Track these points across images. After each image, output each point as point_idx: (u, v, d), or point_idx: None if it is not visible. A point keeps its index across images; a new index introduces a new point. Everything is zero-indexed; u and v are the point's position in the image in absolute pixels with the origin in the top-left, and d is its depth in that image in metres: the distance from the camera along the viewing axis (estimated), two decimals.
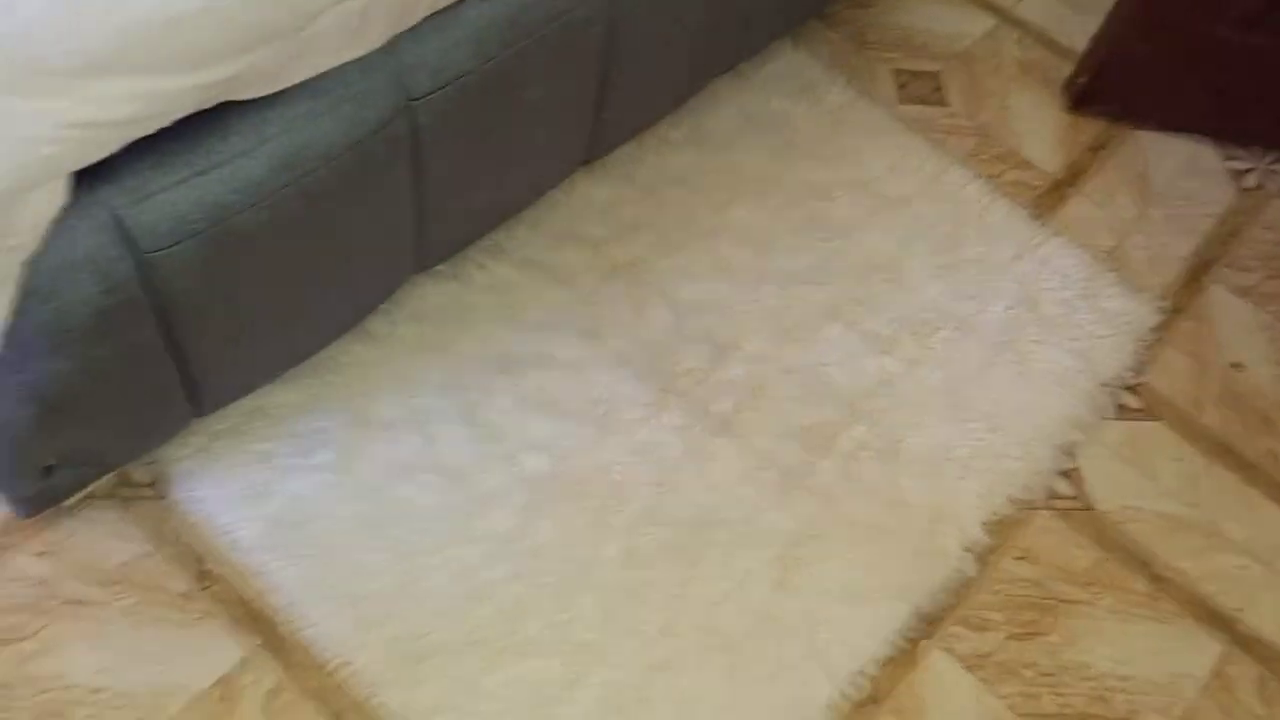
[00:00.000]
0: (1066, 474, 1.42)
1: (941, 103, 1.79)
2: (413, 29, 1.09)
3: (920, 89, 1.80)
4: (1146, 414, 1.49)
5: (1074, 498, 1.40)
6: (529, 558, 1.24)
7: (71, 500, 1.18)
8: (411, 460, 1.27)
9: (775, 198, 1.60)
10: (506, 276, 1.45)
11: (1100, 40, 1.75)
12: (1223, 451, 1.47)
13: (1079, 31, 1.90)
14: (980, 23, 1.92)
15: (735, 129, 1.68)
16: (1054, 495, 1.39)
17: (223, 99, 0.95)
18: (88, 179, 0.91)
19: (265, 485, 1.23)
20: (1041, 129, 1.78)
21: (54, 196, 0.84)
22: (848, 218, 1.60)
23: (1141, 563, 1.36)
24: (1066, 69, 1.84)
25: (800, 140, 1.68)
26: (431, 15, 1.10)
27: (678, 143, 1.64)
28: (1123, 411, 1.49)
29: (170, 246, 0.97)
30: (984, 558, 1.33)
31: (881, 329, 1.49)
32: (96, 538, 1.17)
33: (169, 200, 0.96)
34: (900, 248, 1.58)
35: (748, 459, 1.35)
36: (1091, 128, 1.80)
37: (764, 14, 1.63)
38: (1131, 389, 1.51)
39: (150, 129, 0.88)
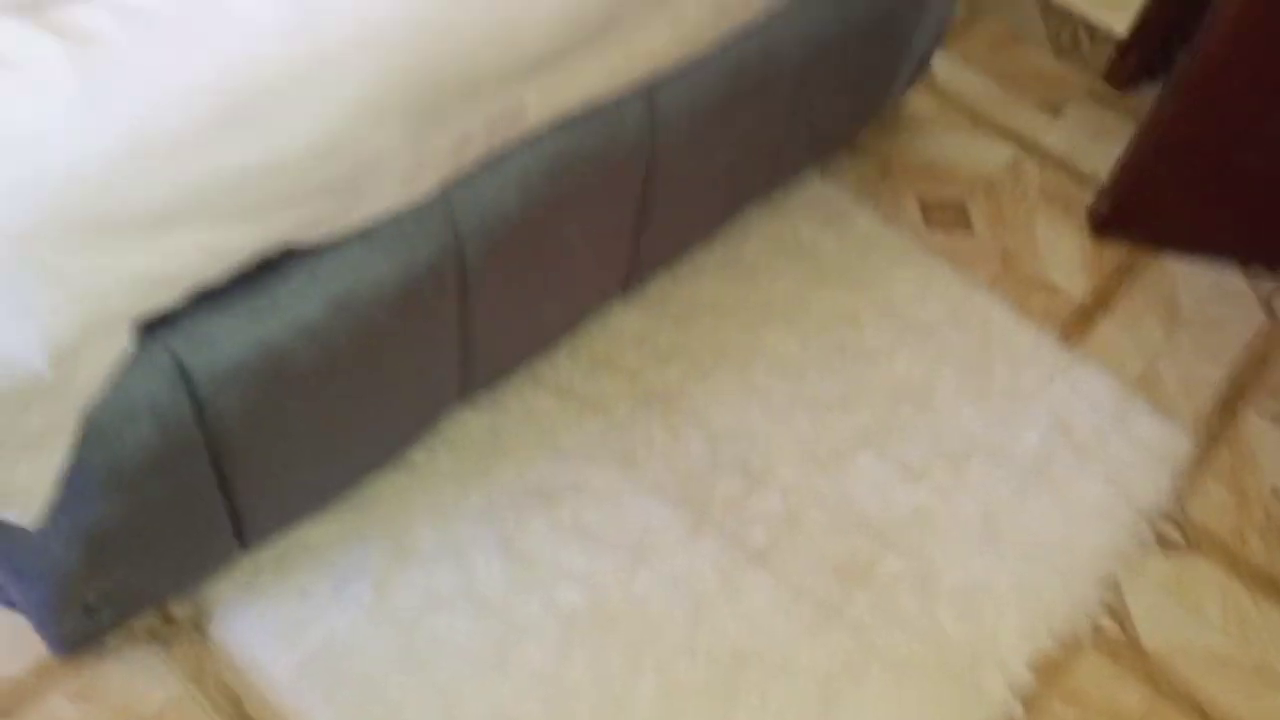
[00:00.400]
0: (1110, 609, 1.39)
1: (966, 229, 1.82)
2: (462, 175, 1.13)
3: (945, 216, 1.84)
4: (1188, 546, 1.47)
5: (1120, 634, 1.37)
6: (564, 694, 1.22)
7: (110, 637, 1.17)
8: (448, 591, 1.27)
9: (805, 324, 1.63)
10: (544, 405, 1.46)
11: (1123, 166, 1.79)
12: (1269, 584, 1.44)
13: (1101, 159, 1.95)
14: (1002, 151, 1.97)
15: (766, 257, 1.71)
16: (1099, 631, 1.37)
17: (283, 246, 0.98)
18: (148, 323, 0.94)
19: (303, 620, 1.22)
20: (1067, 254, 1.81)
21: (117, 344, 0.86)
22: (876, 344, 1.62)
23: (1192, 704, 1.32)
24: (1089, 196, 1.88)
25: (829, 267, 1.71)
26: (480, 161, 1.14)
27: (710, 271, 1.67)
28: (1164, 543, 1.47)
29: (226, 388, 1.00)
30: (1030, 700, 1.29)
31: (913, 457, 1.49)
32: (134, 678, 1.16)
33: (227, 342, 0.99)
34: (930, 374, 1.60)
35: (783, 591, 1.33)
36: (1116, 252, 1.82)
37: (793, 146, 1.69)
38: (1171, 519, 1.49)
39: (213, 277, 0.92)
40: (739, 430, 1.48)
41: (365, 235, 1.07)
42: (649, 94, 1.28)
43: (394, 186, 1.04)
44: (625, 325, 1.58)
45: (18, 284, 0.77)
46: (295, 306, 1.03)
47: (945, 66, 2.10)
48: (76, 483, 0.92)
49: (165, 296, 0.88)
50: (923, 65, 1.85)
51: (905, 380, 1.58)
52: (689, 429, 1.47)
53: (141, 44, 0.86)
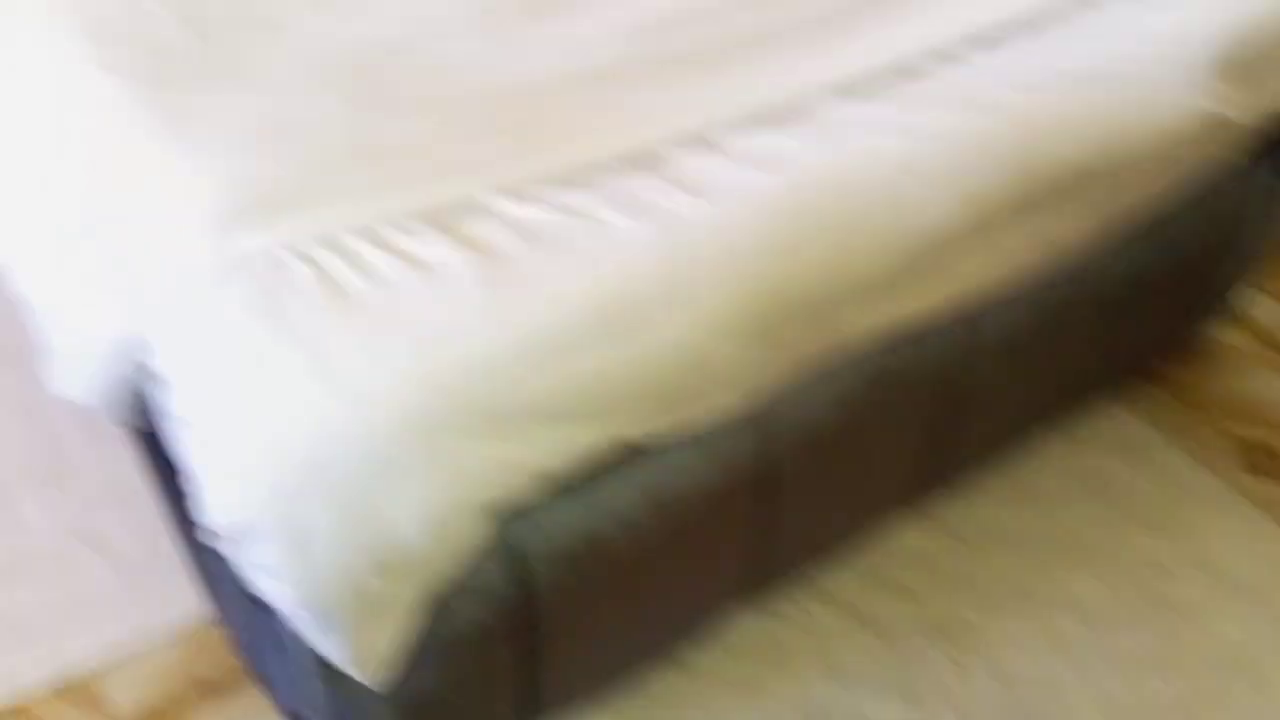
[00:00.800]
0: None
1: None
2: (785, 386, 1.15)
3: (1264, 462, 1.68)
4: None
5: None
6: None
7: None
8: None
9: (1108, 568, 1.50)
10: (821, 618, 1.41)
11: None
12: None
13: None
14: None
15: (1058, 486, 1.62)
16: None
17: (621, 444, 1.02)
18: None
19: None
20: None
21: (477, 526, 0.91)
22: (1193, 601, 1.47)
23: None
24: None
25: (1132, 506, 1.59)
26: (803, 374, 1.16)
27: (998, 495, 1.60)
28: None
29: (552, 572, 1.03)
30: None
31: None
32: None
33: (558, 530, 1.03)
34: (1257, 643, 1.42)
35: None
36: None
37: (1094, 373, 1.62)
38: None
39: (564, 470, 0.96)
40: (1037, 678, 1.36)
41: (692, 440, 1.10)
42: (964, 318, 1.28)
43: (726, 395, 1.07)
44: (907, 543, 1.52)
45: (413, 464, 0.83)
46: (619, 500, 1.06)
47: (1258, 303, 1.98)
48: (412, 651, 0.96)
49: (524, 486, 0.92)
50: (1232, 299, 1.76)
51: (1229, 647, 1.41)
52: (979, 669, 1.37)
53: (532, 256, 0.94)
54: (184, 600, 1.39)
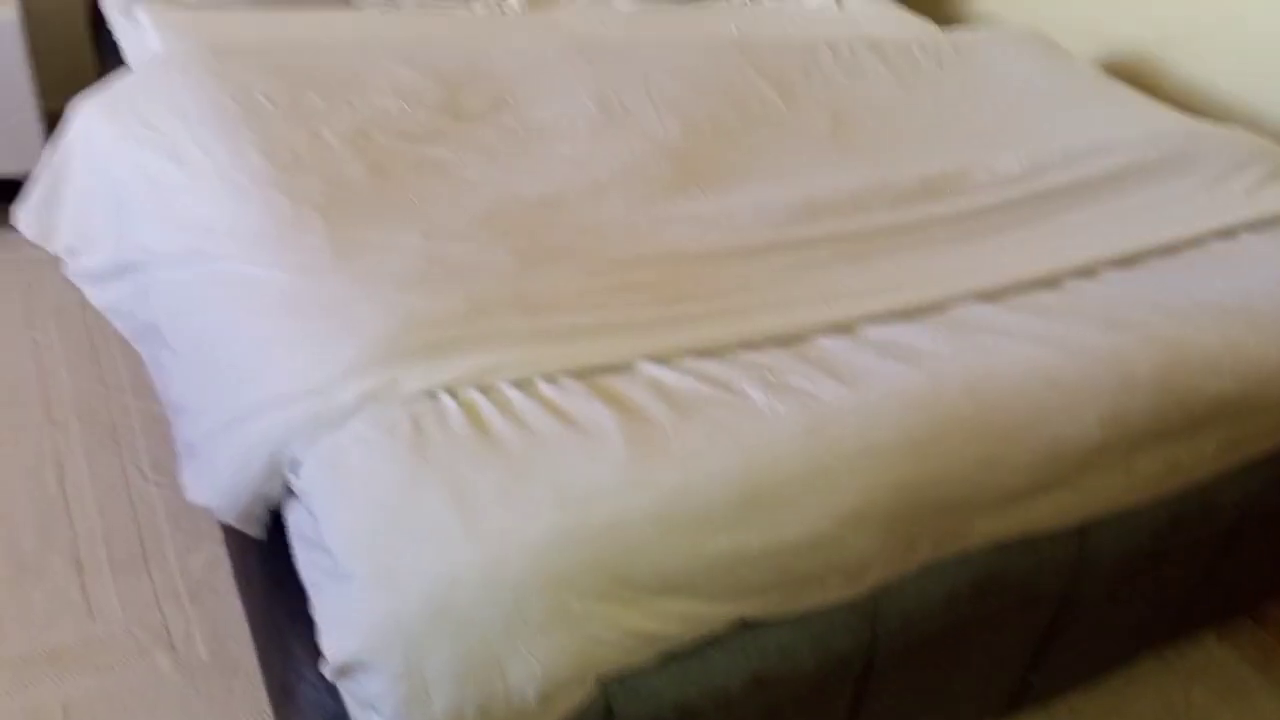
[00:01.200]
0: None
1: None
2: (897, 579, 1.13)
3: None
4: None
5: None
6: None
7: None
8: None
9: None
10: None
11: None
12: None
13: None
14: None
15: (1149, 716, 1.54)
16: None
17: (737, 623, 1.00)
18: None
19: None
20: None
21: (587, 689, 0.89)
22: None
23: None
24: None
25: None
26: (916, 569, 1.14)
27: (1086, 716, 1.52)
28: None
29: None
30: None
31: None
32: None
33: (650, 693, 0.99)
34: None
35: None
36: None
37: (1201, 605, 1.56)
38: None
39: (680, 643, 0.94)
40: None
41: (797, 620, 1.07)
42: (1082, 532, 1.25)
43: (842, 583, 1.05)
44: None
45: (541, 620, 0.82)
46: (719, 675, 1.03)
47: None
48: None
49: (641, 655, 0.90)
50: None
51: None
52: None
53: (676, 423, 0.95)
54: (242, 707, 1.36)
